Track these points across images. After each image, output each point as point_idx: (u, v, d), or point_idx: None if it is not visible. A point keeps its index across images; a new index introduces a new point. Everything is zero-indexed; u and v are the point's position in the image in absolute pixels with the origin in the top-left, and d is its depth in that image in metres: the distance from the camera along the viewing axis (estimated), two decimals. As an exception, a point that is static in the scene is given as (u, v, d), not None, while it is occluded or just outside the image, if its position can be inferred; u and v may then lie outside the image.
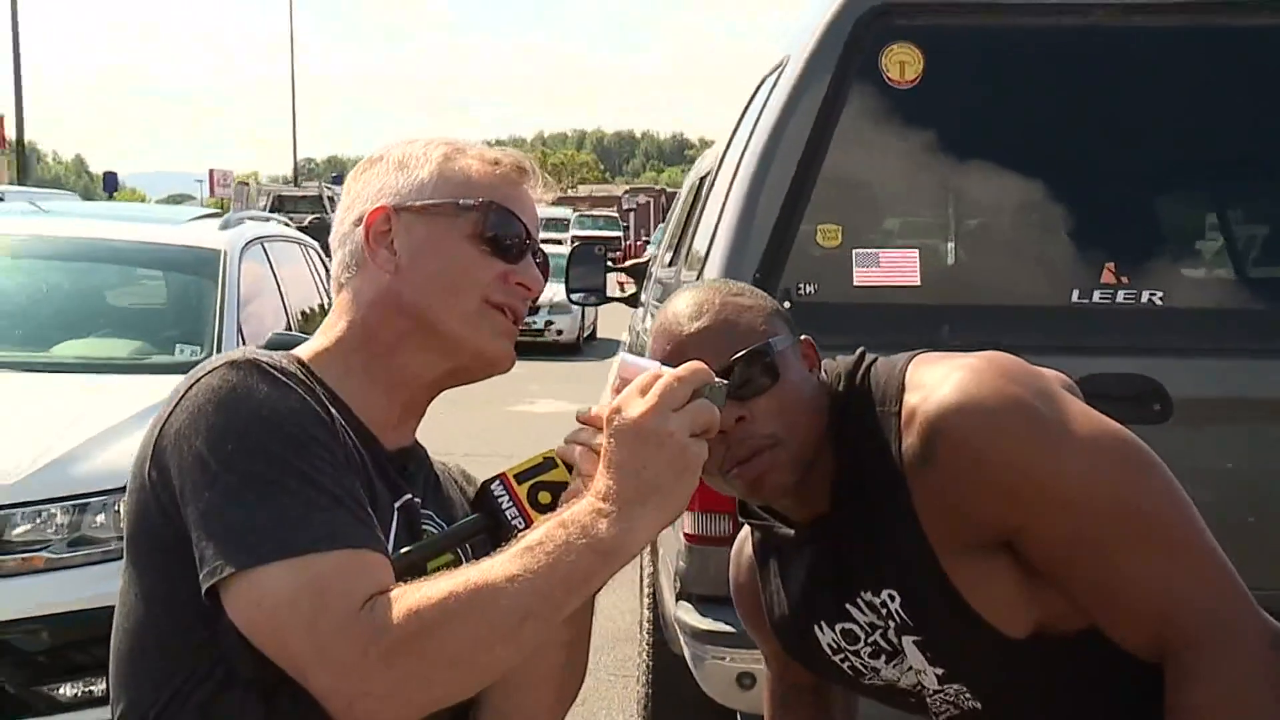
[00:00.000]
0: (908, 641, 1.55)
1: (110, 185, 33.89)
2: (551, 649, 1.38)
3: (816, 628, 1.64)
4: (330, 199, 31.50)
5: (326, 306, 6.50)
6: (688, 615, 3.09)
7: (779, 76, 3.38)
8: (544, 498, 1.28)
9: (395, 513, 1.34)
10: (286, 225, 6.74)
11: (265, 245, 5.67)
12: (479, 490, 1.32)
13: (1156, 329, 3.05)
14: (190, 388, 1.27)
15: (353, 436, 1.32)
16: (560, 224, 45.25)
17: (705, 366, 1.24)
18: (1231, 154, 3.30)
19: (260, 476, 1.19)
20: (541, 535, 1.18)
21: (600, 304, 6.75)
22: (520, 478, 1.29)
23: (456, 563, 1.33)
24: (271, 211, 31.57)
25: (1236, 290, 3.30)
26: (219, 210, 7.16)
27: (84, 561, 3.57)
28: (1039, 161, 3.17)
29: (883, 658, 1.60)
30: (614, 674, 5.06)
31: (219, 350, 4.63)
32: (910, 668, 1.58)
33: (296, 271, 6.05)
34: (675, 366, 1.27)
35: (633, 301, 6.43)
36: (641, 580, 4.22)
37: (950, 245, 3.38)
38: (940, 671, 1.56)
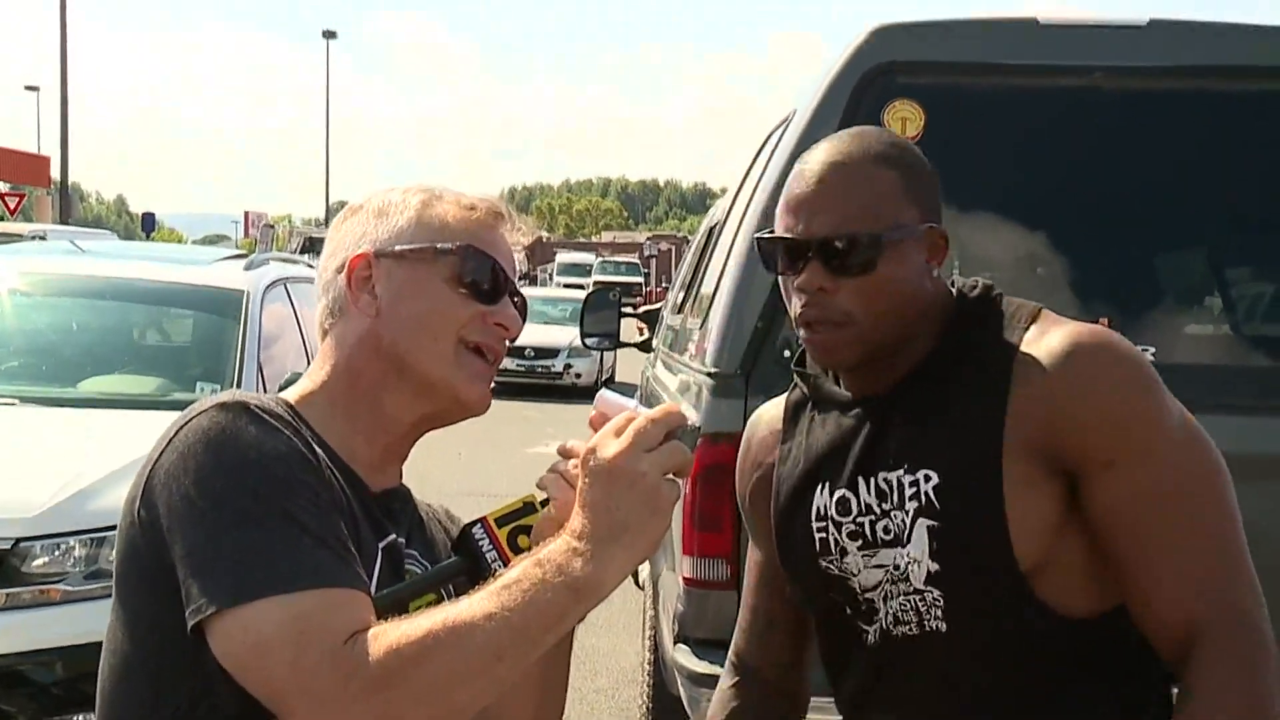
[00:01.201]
0: (922, 526, 1.54)
1: (148, 226, 34.28)
2: (528, 684, 1.42)
3: (817, 489, 1.65)
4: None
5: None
6: (685, 658, 3.14)
7: (785, 129, 3.47)
8: (523, 541, 1.30)
9: (379, 553, 1.36)
10: (310, 267, 6.86)
11: (289, 286, 5.77)
12: (460, 533, 1.34)
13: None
14: (180, 429, 1.30)
15: (339, 478, 1.34)
16: (583, 269, 45.53)
17: (679, 409, 1.28)
18: (1225, 213, 3.37)
19: (247, 515, 1.22)
20: (518, 573, 1.20)
21: (614, 349, 6.83)
22: (500, 522, 1.31)
23: (438, 603, 1.37)
24: (302, 253, 31.87)
25: (1229, 346, 3.35)
26: (247, 251, 7.29)
27: (101, 594, 3.64)
28: (1035, 218, 3.25)
29: (859, 542, 1.60)
30: (618, 716, 5.10)
31: (239, 388, 4.72)
32: (896, 563, 1.57)
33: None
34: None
35: (645, 347, 6.51)
36: (644, 623, 4.27)
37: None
38: (935, 568, 1.54)
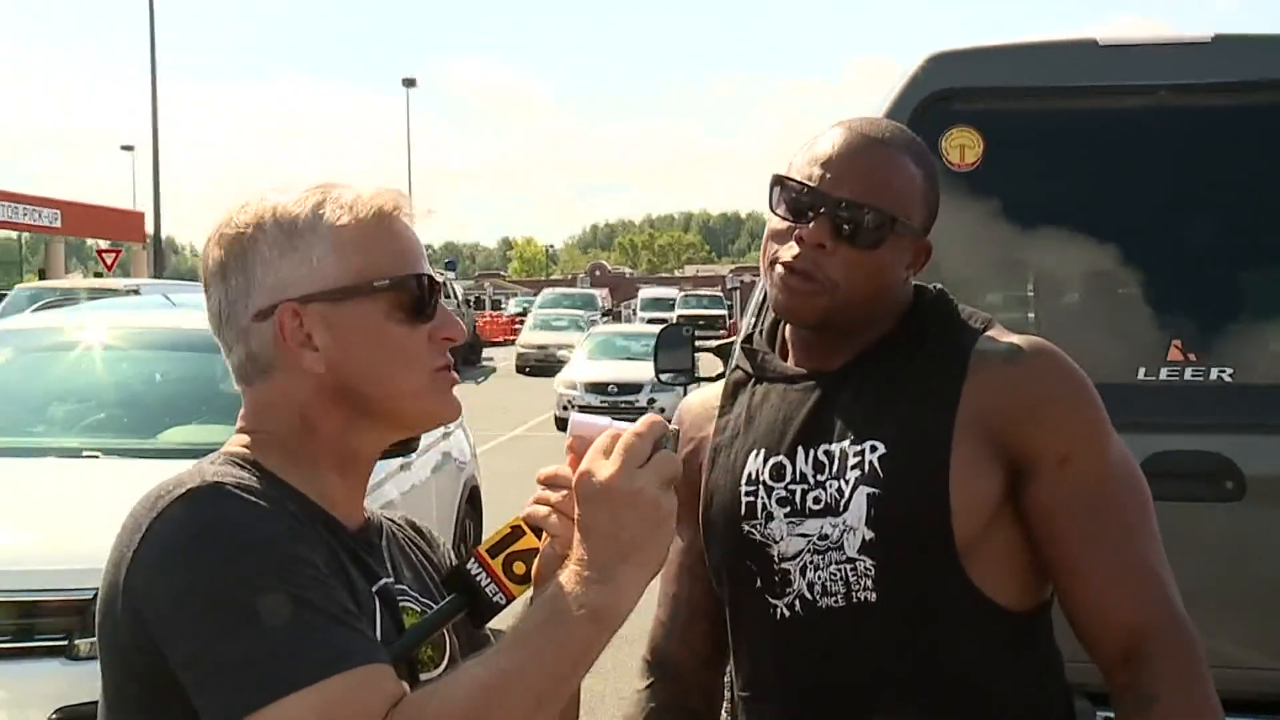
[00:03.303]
0: (862, 494, 1.55)
1: (241, 276, 34.95)
2: None
3: (751, 454, 1.65)
4: (442, 283, 32.22)
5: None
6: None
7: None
8: (519, 568, 1.29)
9: (375, 599, 1.31)
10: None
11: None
12: (453, 570, 1.32)
13: (1227, 406, 3.02)
14: (153, 522, 1.20)
15: (320, 530, 1.28)
16: (666, 303, 45.67)
17: (660, 419, 1.27)
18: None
19: (251, 608, 1.14)
20: (535, 616, 1.18)
21: (689, 384, 6.82)
22: (492, 552, 1.29)
23: (440, 642, 1.36)
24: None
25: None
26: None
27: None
28: (1102, 241, 3.18)
29: (787, 509, 1.60)
30: None
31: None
32: (824, 533, 1.57)
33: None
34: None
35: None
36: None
37: (1013, 325, 3.38)
38: (870, 535, 1.55)
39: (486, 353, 35.05)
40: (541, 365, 27.18)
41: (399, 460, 5.37)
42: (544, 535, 1.29)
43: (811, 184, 1.59)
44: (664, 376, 6.83)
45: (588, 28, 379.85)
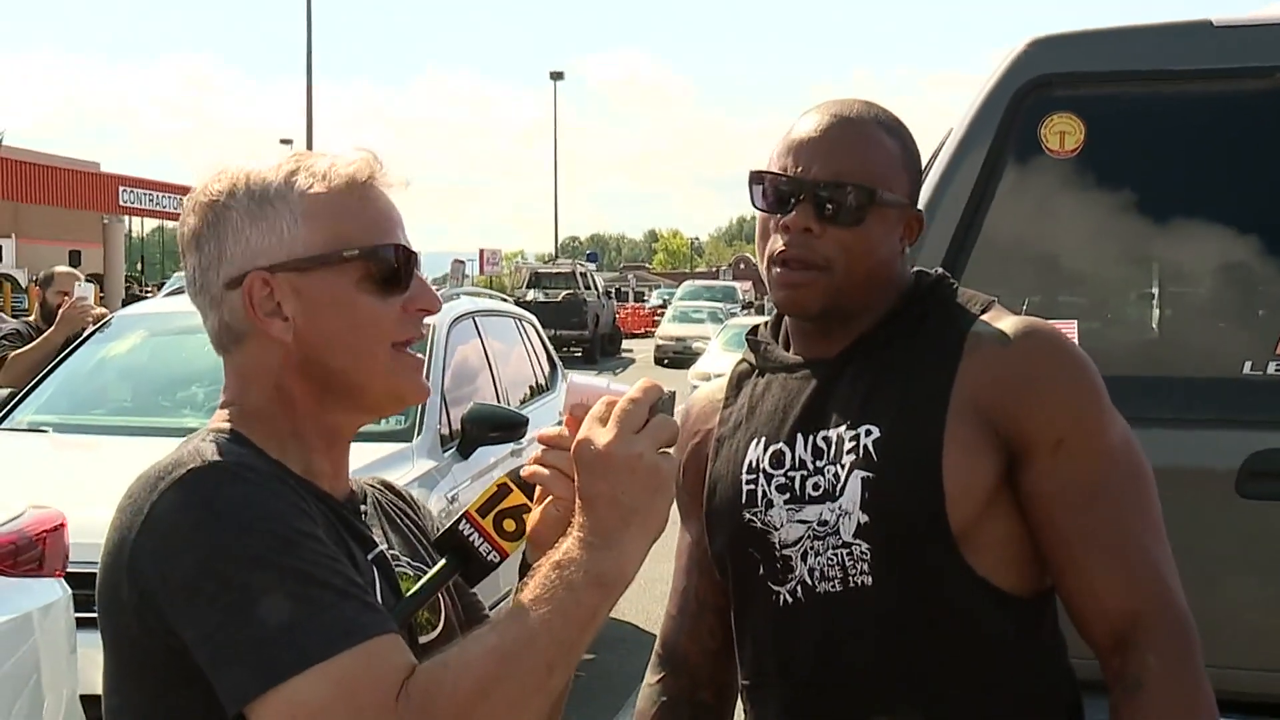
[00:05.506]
0: (857, 478, 1.55)
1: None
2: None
3: (752, 443, 1.66)
4: (583, 275, 32.66)
5: (541, 380, 6.79)
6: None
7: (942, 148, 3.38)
8: (509, 525, 1.31)
9: (373, 568, 1.34)
10: (504, 301, 7.05)
11: (477, 320, 5.95)
12: (445, 533, 1.32)
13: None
14: (154, 503, 1.21)
15: (315, 503, 1.29)
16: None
17: (655, 383, 1.27)
18: None
19: (260, 587, 1.15)
20: (542, 583, 1.19)
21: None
22: (482, 511, 1.30)
23: (435, 604, 1.39)
24: (528, 287, 32.58)
25: None
26: (483, 287, 7.62)
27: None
28: (1207, 231, 3.05)
29: (787, 495, 1.61)
30: None
31: (423, 421, 4.88)
32: (823, 519, 1.57)
33: (509, 345, 6.33)
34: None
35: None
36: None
37: (1112, 316, 3.28)
38: (865, 519, 1.55)
39: (626, 344, 35.32)
40: (679, 357, 27.28)
41: (509, 446, 5.45)
42: (536, 493, 1.31)
43: (788, 173, 1.60)
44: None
45: (725, 21, 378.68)
